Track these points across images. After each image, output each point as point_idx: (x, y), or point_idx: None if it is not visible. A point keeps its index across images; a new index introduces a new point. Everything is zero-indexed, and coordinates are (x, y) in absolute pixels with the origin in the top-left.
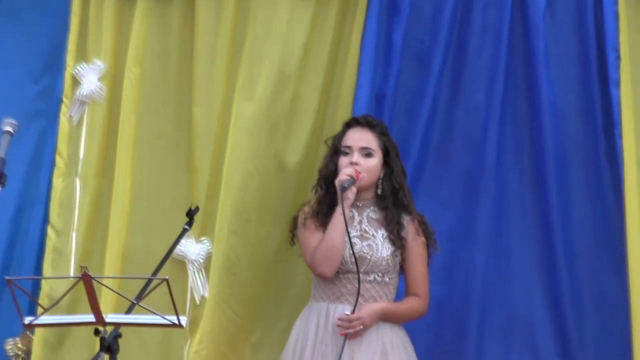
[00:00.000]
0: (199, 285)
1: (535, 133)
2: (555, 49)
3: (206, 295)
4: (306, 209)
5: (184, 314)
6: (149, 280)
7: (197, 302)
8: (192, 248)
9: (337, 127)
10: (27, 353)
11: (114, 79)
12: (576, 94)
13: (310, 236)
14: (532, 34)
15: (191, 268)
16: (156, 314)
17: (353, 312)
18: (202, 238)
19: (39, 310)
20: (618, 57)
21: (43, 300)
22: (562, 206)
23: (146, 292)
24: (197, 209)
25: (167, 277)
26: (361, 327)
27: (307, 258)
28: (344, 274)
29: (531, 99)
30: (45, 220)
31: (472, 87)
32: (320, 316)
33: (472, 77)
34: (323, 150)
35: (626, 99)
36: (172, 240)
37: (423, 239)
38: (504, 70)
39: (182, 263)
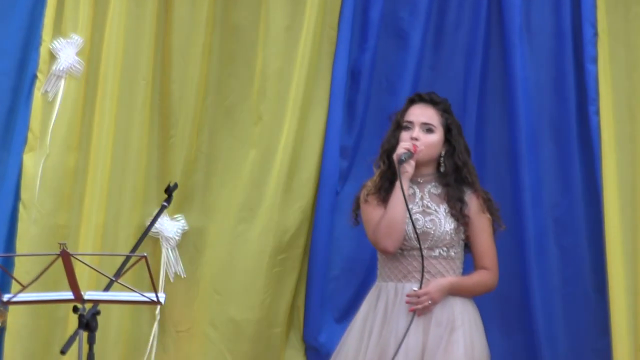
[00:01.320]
0: (172, 263)
1: (510, 108)
2: (531, 24)
3: (180, 272)
4: (369, 184)
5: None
6: (127, 257)
7: (172, 279)
8: (167, 225)
9: (315, 107)
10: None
11: (90, 54)
12: (550, 70)
13: (373, 212)
14: (508, 8)
15: (165, 245)
16: (135, 291)
17: (420, 287)
18: (177, 215)
19: (17, 286)
20: (596, 34)
21: (20, 277)
22: (533, 182)
23: (124, 269)
24: (175, 185)
25: (145, 254)
26: (429, 302)
27: (370, 233)
28: (408, 251)
29: (506, 74)
30: (17, 196)
31: (451, 62)
32: (389, 296)
33: (451, 52)
34: (302, 131)
35: (604, 76)
36: (145, 216)
37: (488, 215)
38: (482, 45)
39: (154, 240)
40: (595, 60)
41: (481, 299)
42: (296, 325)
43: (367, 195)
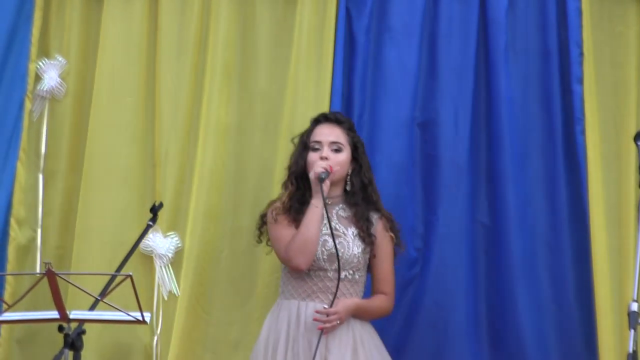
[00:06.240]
0: (166, 281)
1: (493, 128)
2: (516, 44)
3: (174, 291)
4: (277, 204)
5: (150, 310)
6: (113, 277)
7: (165, 297)
8: (160, 243)
9: None
10: None
11: (79, 75)
12: (536, 90)
13: (283, 231)
14: (494, 30)
15: (159, 263)
16: (120, 310)
17: (330, 306)
18: (170, 233)
19: (3, 306)
20: (581, 54)
21: (7, 296)
22: (518, 202)
23: (110, 288)
24: (160, 204)
25: (130, 274)
26: (338, 322)
27: (281, 251)
28: (315, 272)
29: (490, 95)
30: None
31: (444, 83)
32: (292, 314)
33: (444, 73)
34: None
35: (589, 96)
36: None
37: (391, 235)
38: (474, 65)
39: (149, 258)
40: (581, 81)
41: (473, 315)
42: None
43: (277, 215)
